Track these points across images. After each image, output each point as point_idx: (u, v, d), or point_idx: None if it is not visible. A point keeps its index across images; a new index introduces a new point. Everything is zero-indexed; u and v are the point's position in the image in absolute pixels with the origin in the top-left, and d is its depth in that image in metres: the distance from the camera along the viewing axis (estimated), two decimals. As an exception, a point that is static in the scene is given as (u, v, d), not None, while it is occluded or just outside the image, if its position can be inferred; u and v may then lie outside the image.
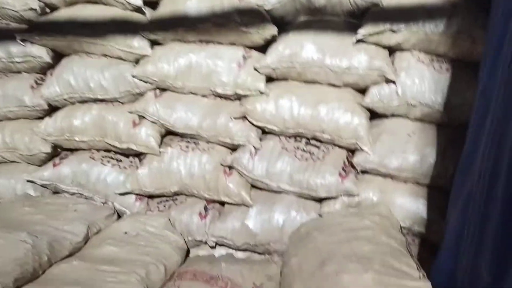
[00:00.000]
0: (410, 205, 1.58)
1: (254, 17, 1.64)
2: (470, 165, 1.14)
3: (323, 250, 1.28)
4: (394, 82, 1.59)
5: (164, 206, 1.80)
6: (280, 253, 1.67)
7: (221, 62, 1.68)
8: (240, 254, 1.73)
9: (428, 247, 1.58)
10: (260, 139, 1.71)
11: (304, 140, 1.71)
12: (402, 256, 1.25)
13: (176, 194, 1.82)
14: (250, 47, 1.74)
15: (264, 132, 1.74)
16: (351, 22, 1.66)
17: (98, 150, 1.88)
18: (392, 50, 1.66)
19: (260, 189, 1.73)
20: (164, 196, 1.82)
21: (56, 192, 1.88)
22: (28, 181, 1.86)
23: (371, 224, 1.39)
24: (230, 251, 1.74)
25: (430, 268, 1.28)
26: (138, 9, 1.76)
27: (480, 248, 0.96)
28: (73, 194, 1.84)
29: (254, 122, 1.69)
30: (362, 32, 1.58)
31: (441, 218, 1.52)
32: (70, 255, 1.48)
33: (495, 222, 0.92)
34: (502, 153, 0.94)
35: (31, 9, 1.81)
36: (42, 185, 1.86)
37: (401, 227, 1.51)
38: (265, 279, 1.53)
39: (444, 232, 1.26)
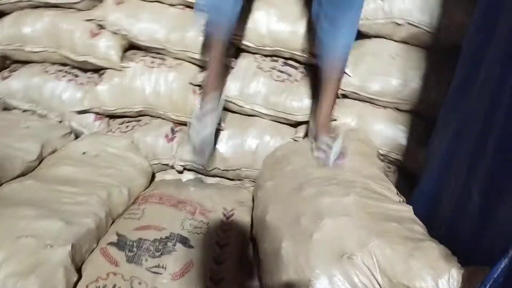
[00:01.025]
0: (388, 132, 1.52)
1: None
2: (462, 97, 1.06)
3: (300, 174, 1.21)
4: (381, -2, 1.47)
5: (127, 127, 1.66)
6: (251, 178, 1.60)
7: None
8: (209, 180, 1.65)
9: (403, 174, 1.55)
10: (234, 57, 1.57)
11: (281, 60, 1.58)
12: (382, 180, 1.20)
13: (140, 114, 1.68)
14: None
15: (239, 49, 1.60)
16: None
17: (52, 63, 1.69)
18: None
19: (233, 112, 1.62)
20: (126, 116, 1.68)
21: (5, 108, 1.71)
22: (-28, 94, 1.67)
23: (350, 149, 1.32)
24: (199, 176, 1.65)
25: (407, 195, 1.25)
26: None
27: (472, 171, 0.91)
28: (25, 111, 1.68)
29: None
30: None
31: (419, 145, 1.48)
32: (22, 174, 1.35)
33: (492, 146, 0.85)
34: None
35: None
36: (-12, 100, 1.68)
37: (378, 153, 1.45)
38: (236, 205, 1.46)
39: (428, 158, 1.21)
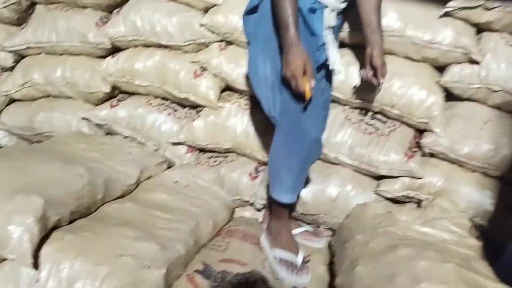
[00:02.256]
0: (475, 196, 1.50)
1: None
2: None
3: (395, 233, 1.22)
4: (477, 63, 1.48)
5: (215, 161, 1.77)
6: (329, 225, 1.63)
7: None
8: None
9: (486, 240, 1.50)
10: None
11: (369, 114, 1.63)
12: (478, 253, 1.18)
13: (228, 151, 1.78)
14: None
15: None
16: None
17: (156, 96, 1.85)
18: (479, 29, 1.54)
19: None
20: (215, 151, 1.79)
21: (109, 133, 1.88)
22: (84, 118, 1.86)
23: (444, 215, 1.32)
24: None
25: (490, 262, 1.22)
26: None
27: None
28: (126, 137, 1.84)
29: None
30: (453, 4, 1.46)
31: (507, 213, 1.44)
32: (122, 196, 1.47)
33: None
34: None
35: None
36: (96, 124, 1.86)
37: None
38: (312, 251, 1.50)
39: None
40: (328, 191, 1.60)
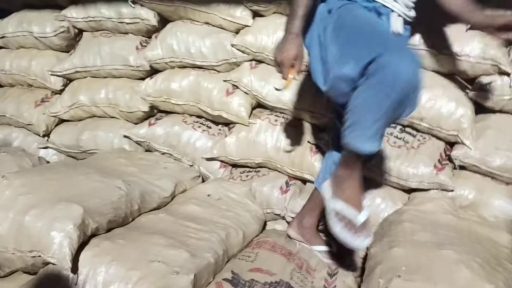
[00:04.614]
0: (509, 209, 1.46)
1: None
2: None
3: (431, 237, 1.22)
4: (508, 75, 1.47)
5: (247, 176, 1.82)
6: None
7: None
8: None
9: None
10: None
11: (398, 127, 1.63)
12: None
13: (259, 166, 1.83)
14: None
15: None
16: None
17: (190, 114, 1.94)
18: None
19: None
20: (247, 166, 1.85)
21: (148, 150, 1.98)
22: (125, 136, 1.98)
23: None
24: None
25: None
26: (244, -20, 1.77)
27: None
28: (163, 153, 1.93)
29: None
30: (480, 17, 1.46)
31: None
32: (157, 208, 1.55)
33: None
34: None
35: (145, -27, 1.90)
36: (136, 142, 1.97)
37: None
38: (339, 266, 1.50)
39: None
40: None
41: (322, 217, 1.51)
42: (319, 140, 1.67)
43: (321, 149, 1.68)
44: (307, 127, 1.75)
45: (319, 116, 1.69)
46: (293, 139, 1.71)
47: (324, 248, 1.52)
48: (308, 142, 1.71)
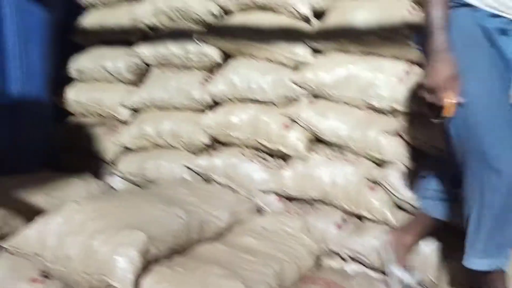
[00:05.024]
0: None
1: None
2: None
3: None
4: None
5: (302, 209, 1.83)
6: (420, 283, 1.57)
7: (381, 75, 1.66)
8: (373, 274, 1.67)
9: None
10: (414, 159, 1.63)
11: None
12: None
13: (315, 200, 1.83)
14: (413, 62, 1.68)
15: (418, 151, 1.66)
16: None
17: (248, 147, 1.99)
18: None
19: (405, 210, 1.65)
20: (303, 200, 1.85)
21: (207, 180, 2.05)
22: (186, 167, 2.06)
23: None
24: (363, 268, 1.69)
25: None
26: (305, 19, 1.83)
27: None
28: (221, 184, 1.99)
29: (408, 140, 1.62)
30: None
31: None
32: (214, 237, 1.59)
33: None
34: None
35: (211, 13, 2.02)
36: (196, 172, 2.05)
37: None
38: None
39: None
40: (419, 246, 1.56)
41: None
42: (376, 177, 1.65)
43: (379, 185, 1.66)
44: (365, 163, 1.74)
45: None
46: (350, 175, 1.71)
47: (405, 275, 1.47)
48: (366, 178, 1.69)
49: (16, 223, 1.58)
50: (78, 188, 1.92)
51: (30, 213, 1.53)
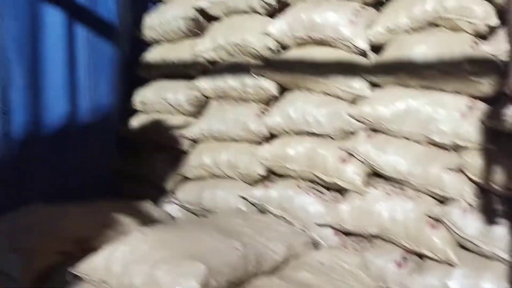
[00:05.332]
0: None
1: (486, 66, 1.55)
2: None
3: None
4: None
5: (359, 245, 1.79)
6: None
7: (442, 110, 1.63)
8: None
9: None
10: (477, 196, 1.57)
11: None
12: None
13: (373, 236, 1.80)
14: (476, 97, 1.64)
15: (482, 189, 1.60)
16: None
17: (304, 179, 2.00)
18: None
19: (468, 250, 1.58)
20: (360, 236, 1.82)
21: (262, 211, 2.07)
22: (242, 197, 2.09)
23: None
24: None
25: None
26: (363, 53, 1.85)
27: None
28: (276, 216, 2.00)
29: (472, 177, 1.57)
30: None
31: None
32: (270, 271, 1.59)
33: None
34: None
35: (268, 48, 2.08)
36: (251, 203, 2.07)
37: None
38: None
39: None
40: (481, 287, 1.48)
41: None
42: (438, 214, 1.60)
43: (440, 223, 1.61)
44: (425, 199, 1.69)
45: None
46: (410, 211, 1.66)
47: None
48: (427, 216, 1.64)
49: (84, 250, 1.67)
50: (141, 216, 2.00)
51: (97, 240, 1.61)
